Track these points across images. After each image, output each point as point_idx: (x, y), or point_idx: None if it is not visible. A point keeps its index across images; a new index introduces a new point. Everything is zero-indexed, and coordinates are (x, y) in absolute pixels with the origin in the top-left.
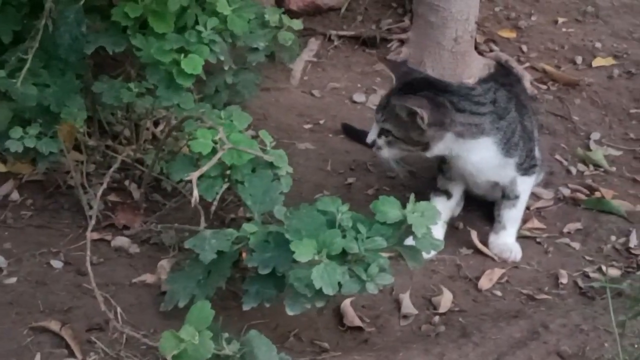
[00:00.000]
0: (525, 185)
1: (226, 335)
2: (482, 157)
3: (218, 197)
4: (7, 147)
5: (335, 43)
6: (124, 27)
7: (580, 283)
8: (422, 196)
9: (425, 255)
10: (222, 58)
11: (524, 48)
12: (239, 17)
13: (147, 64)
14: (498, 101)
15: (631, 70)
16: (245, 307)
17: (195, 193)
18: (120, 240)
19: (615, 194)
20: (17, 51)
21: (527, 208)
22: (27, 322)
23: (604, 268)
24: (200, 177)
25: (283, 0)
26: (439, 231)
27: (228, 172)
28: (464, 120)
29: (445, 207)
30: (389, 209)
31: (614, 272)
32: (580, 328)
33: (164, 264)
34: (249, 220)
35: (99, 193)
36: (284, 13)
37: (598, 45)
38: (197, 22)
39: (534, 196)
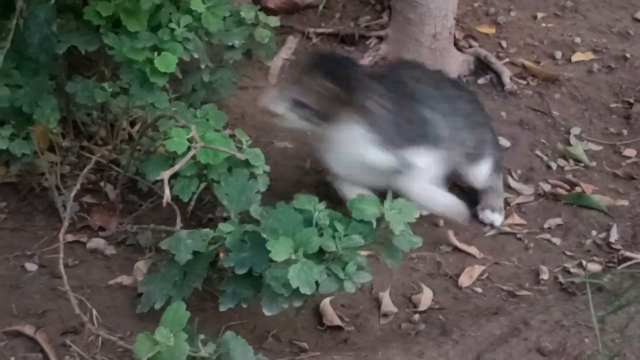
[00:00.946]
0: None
1: (202, 336)
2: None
3: (195, 197)
4: None
5: (314, 41)
6: (96, 26)
7: (561, 278)
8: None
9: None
10: (196, 56)
11: (504, 44)
12: (214, 14)
13: (120, 63)
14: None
15: (611, 64)
16: (222, 308)
17: (167, 192)
18: (96, 242)
19: (595, 188)
20: None
21: (507, 204)
22: (0, 326)
23: (584, 263)
24: (175, 177)
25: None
26: None
27: (205, 171)
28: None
29: None
30: (366, 206)
31: (594, 267)
32: (560, 324)
33: (140, 265)
34: (225, 220)
35: (72, 194)
36: (260, 10)
37: (577, 40)
38: (171, 20)
39: (515, 192)
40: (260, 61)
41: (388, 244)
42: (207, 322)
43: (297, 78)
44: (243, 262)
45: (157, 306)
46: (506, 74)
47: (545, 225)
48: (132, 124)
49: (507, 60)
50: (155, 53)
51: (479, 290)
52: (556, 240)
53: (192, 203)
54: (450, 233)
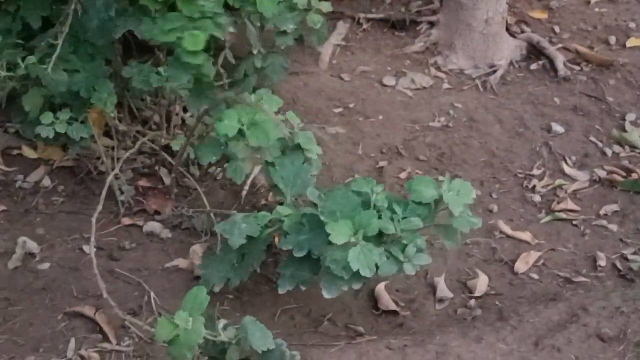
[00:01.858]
0: None
1: (224, 321)
2: None
3: (249, 181)
4: (38, 132)
5: (364, 26)
6: (153, 10)
7: (619, 265)
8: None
9: None
10: (230, 30)
11: (556, 29)
12: None
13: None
14: None
15: None
16: (281, 291)
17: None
18: (152, 226)
19: None
20: (47, 37)
21: (564, 190)
22: (60, 307)
23: None
24: (227, 160)
25: None
26: None
27: (258, 156)
28: None
29: None
30: (424, 188)
31: None
32: (620, 310)
33: (197, 248)
34: (280, 204)
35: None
36: None
37: (632, 25)
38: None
39: (569, 178)
40: (310, 47)
41: (447, 225)
42: (263, 305)
43: None
44: (301, 244)
45: (216, 289)
46: (559, 60)
47: (601, 212)
48: (185, 108)
49: (560, 45)
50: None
51: (535, 276)
52: (613, 227)
53: (246, 187)
54: (501, 222)
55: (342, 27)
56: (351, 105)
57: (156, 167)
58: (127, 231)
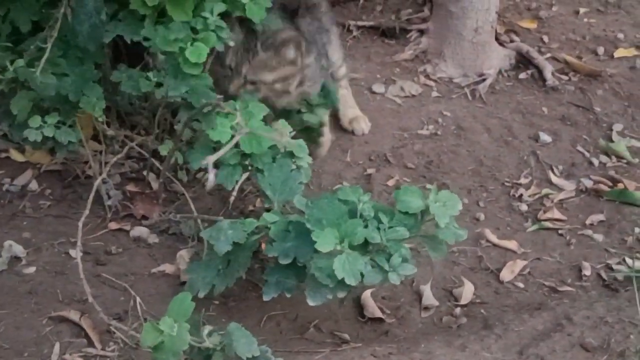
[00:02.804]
0: None
1: (208, 327)
2: None
3: (237, 187)
4: (25, 136)
5: (354, 33)
6: (142, 15)
7: (604, 275)
8: (442, 187)
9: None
10: (231, 44)
11: (545, 39)
12: (257, 4)
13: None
14: None
15: None
16: (266, 298)
17: (211, 177)
18: (139, 230)
19: (638, 185)
20: (36, 40)
21: (551, 199)
22: (46, 311)
23: (627, 260)
24: (219, 166)
25: None
26: None
27: (247, 162)
28: None
29: None
30: (410, 198)
31: (638, 264)
32: (604, 320)
33: (183, 254)
34: (268, 211)
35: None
36: None
37: (620, 35)
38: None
39: (556, 187)
40: None
41: (433, 236)
42: (250, 311)
43: None
44: (287, 252)
45: (201, 295)
46: (548, 69)
47: (587, 222)
48: (174, 113)
49: (548, 55)
50: (189, 43)
51: (521, 285)
52: (598, 237)
53: (234, 193)
54: (488, 231)
55: None
56: None
57: (144, 172)
58: (114, 236)
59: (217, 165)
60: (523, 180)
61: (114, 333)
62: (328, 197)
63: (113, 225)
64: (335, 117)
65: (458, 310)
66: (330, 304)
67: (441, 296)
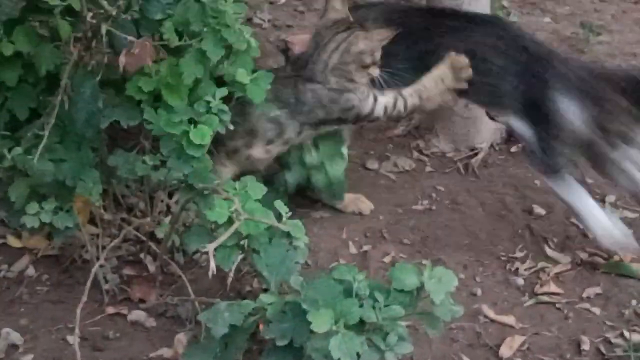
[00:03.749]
0: None
1: None
2: None
3: (234, 267)
4: (23, 222)
5: None
6: (138, 100)
7: (603, 349)
8: (438, 262)
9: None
10: (231, 127)
11: None
12: (257, 86)
13: (160, 136)
14: None
15: None
16: None
17: (213, 265)
18: (137, 314)
19: (633, 257)
20: (33, 127)
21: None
22: None
23: (626, 333)
24: (216, 247)
25: None
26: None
27: (243, 242)
28: None
29: None
30: (405, 276)
31: (636, 337)
32: None
33: (181, 337)
34: (265, 291)
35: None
36: None
37: None
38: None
39: (552, 260)
40: None
41: (429, 314)
42: None
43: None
44: (284, 333)
45: None
46: None
47: (584, 295)
48: (170, 195)
49: None
50: (192, 126)
51: None
52: (596, 310)
53: (232, 274)
54: (485, 306)
55: None
56: None
57: (141, 255)
58: (112, 320)
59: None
60: (518, 254)
61: None
62: (323, 276)
63: (110, 310)
64: None
65: None
66: None
67: None
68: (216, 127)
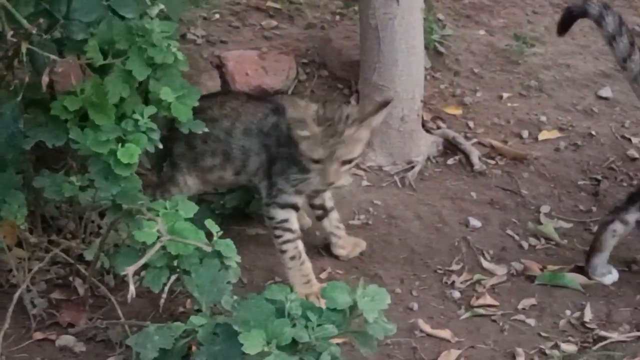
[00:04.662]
0: None
1: None
2: None
3: (167, 289)
4: None
5: None
6: (64, 120)
7: None
8: (375, 278)
9: None
10: (160, 146)
11: (471, 124)
12: (183, 104)
13: (88, 155)
14: None
15: (577, 142)
16: None
17: (132, 288)
18: (65, 339)
19: (568, 267)
20: None
21: (483, 285)
22: None
23: (560, 344)
24: (146, 268)
25: (229, 84)
26: None
27: (175, 262)
28: None
29: None
30: (338, 294)
31: (570, 347)
32: None
33: None
34: (198, 312)
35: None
36: None
37: (543, 118)
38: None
39: (488, 272)
40: None
41: (362, 332)
42: None
43: None
44: (215, 356)
45: None
46: (475, 154)
47: (520, 306)
48: (102, 215)
49: (475, 140)
50: (120, 145)
51: None
52: (531, 321)
53: (164, 295)
54: (421, 321)
55: None
56: None
57: (70, 278)
58: (40, 346)
59: (144, 267)
60: (455, 267)
61: None
62: (255, 297)
63: (38, 335)
64: None
65: None
66: None
67: None
68: (144, 146)
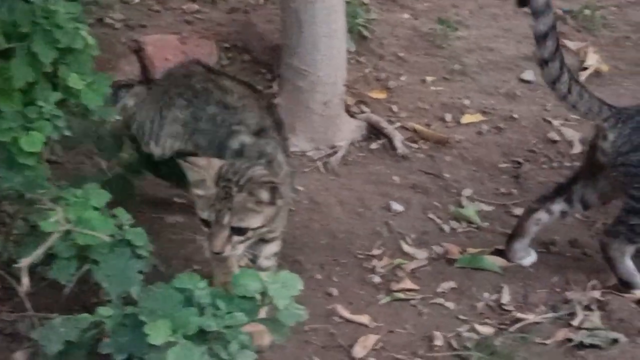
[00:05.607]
0: None
1: None
2: None
3: (77, 279)
4: None
5: None
6: None
7: (455, 343)
8: (295, 264)
9: None
10: (66, 133)
11: (394, 108)
12: (93, 91)
13: None
14: None
15: (499, 125)
16: None
17: (25, 281)
18: None
19: (489, 250)
20: None
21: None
22: None
23: (477, 326)
24: (53, 259)
25: (148, 70)
26: None
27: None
28: None
29: None
30: (248, 281)
31: (487, 330)
32: None
33: (19, 356)
34: (109, 302)
35: None
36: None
37: (466, 102)
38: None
39: (409, 256)
40: None
41: (273, 319)
42: None
43: None
44: (122, 347)
45: None
46: (398, 138)
47: (439, 290)
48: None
49: (398, 124)
50: (25, 132)
51: None
52: (450, 305)
53: (71, 285)
54: (340, 306)
55: None
56: None
57: None
58: None
59: (52, 257)
60: (376, 252)
61: None
62: (163, 286)
63: None
64: None
65: None
66: None
67: None
68: (49, 134)
